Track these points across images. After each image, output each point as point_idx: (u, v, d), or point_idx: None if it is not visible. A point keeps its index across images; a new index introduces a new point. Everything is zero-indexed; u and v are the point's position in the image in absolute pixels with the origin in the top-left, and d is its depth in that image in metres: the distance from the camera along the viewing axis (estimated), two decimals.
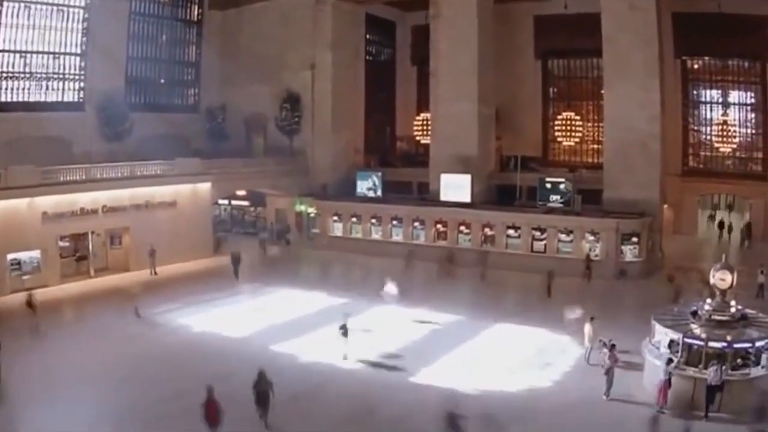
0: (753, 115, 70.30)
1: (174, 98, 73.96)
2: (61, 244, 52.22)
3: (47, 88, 61.90)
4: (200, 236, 60.42)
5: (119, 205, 54.01)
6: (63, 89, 62.69)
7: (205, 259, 58.43)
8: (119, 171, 54.70)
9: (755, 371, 31.27)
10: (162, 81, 72.90)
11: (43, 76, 61.47)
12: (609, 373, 32.40)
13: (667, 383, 31.16)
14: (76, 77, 63.39)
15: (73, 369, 34.86)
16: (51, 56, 61.68)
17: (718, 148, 70.67)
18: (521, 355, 38.91)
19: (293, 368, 35.75)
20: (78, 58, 63.33)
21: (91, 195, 51.95)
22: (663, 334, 33.99)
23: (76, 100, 63.51)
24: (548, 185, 63.43)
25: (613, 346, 33.00)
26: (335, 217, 69.46)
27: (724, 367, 30.63)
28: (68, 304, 47.11)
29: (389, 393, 33.15)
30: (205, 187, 61.38)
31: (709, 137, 72.25)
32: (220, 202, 71.06)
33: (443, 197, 66.33)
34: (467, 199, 65.25)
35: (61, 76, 62.50)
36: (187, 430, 27.74)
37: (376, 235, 67.48)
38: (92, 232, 53.58)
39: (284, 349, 38.65)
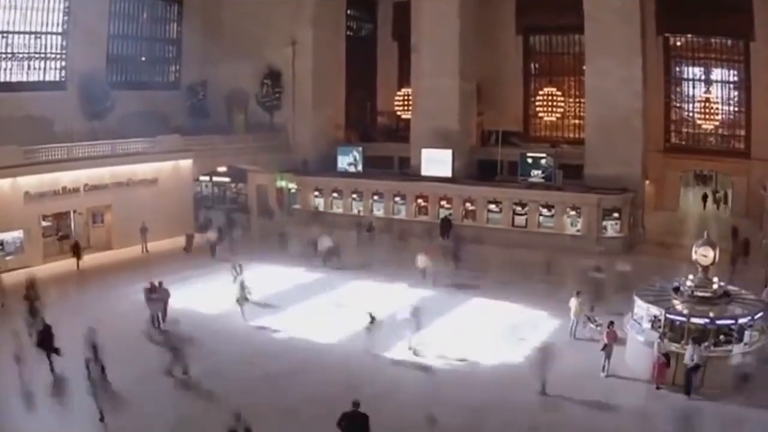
0: (736, 93, 70.34)
1: (155, 76, 73.41)
2: (43, 223, 51.97)
3: (29, 68, 61.38)
4: (182, 213, 60.04)
5: (101, 183, 53.77)
6: (45, 69, 62.16)
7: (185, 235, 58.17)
8: (100, 149, 54.31)
9: (738, 348, 31.48)
10: (143, 59, 72.33)
11: (25, 56, 60.91)
12: (607, 349, 32.45)
13: (664, 361, 31.31)
14: (58, 56, 62.81)
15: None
16: (33, 36, 61.04)
17: (700, 125, 71.03)
18: (496, 331, 39.11)
19: (272, 345, 36.11)
20: (59, 38, 62.68)
21: (73, 174, 51.68)
22: (644, 310, 34.28)
23: (57, 79, 62.98)
24: (529, 160, 63.72)
25: (612, 323, 33.18)
26: (316, 193, 69.61)
27: (703, 346, 30.91)
28: (51, 283, 46.17)
29: (368, 369, 33.45)
30: (186, 163, 61.21)
31: (691, 114, 72.51)
32: (202, 178, 70.90)
33: (424, 172, 66.65)
34: (448, 173, 65.59)
35: (42, 55, 61.92)
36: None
37: (357, 209, 67.57)
38: (74, 211, 53.47)
39: (262, 324, 38.86)
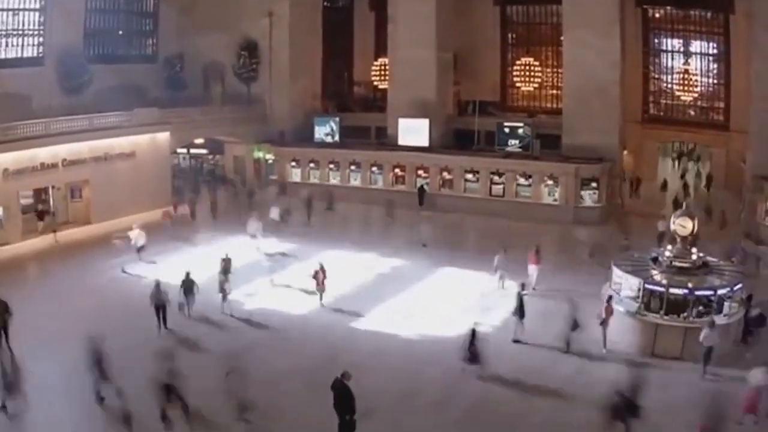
0: (715, 66, 70.54)
1: (132, 49, 73.02)
2: (22, 201, 51.49)
3: (6, 45, 61.00)
4: (160, 186, 59.77)
5: (79, 158, 53.17)
6: (22, 45, 61.75)
7: (164, 208, 57.97)
8: (78, 124, 53.82)
9: (718, 319, 31.65)
10: (120, 32, 71.77)
11: (2, 33, 60.51)
12: (604, 325, 32.59)
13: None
14: (35, 32, 62.40)
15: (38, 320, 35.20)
16: (10, 13, 60.65)
17: (679, 97, 71.13)
18: (463, 300, 39.60)
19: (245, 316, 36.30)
20: (37, 14, 62.34)
21: (51, 149, 51.07)
22: (623, 279, 34.69)
23: (35, 55, 62.61)
24: (507, 130, 64.24)
25: (610, 297, 33.22)
26: (293, 163, 69.66)
27: (682, 316, 31.66)
28: (29, 260, 46.69)
29: (336, 339, 34.00)
30: (163, 136, 60.80)
31: (670, 86, 72.64)
32: (179, 151, 70.65)
33: (401, 142, 66.83)
34: (425, 143, 65.71)
35: (20, 32, 61.49)
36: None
37: (335, 180, 67.75)
38: (53, 187, 53.08)
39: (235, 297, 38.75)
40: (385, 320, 36.79)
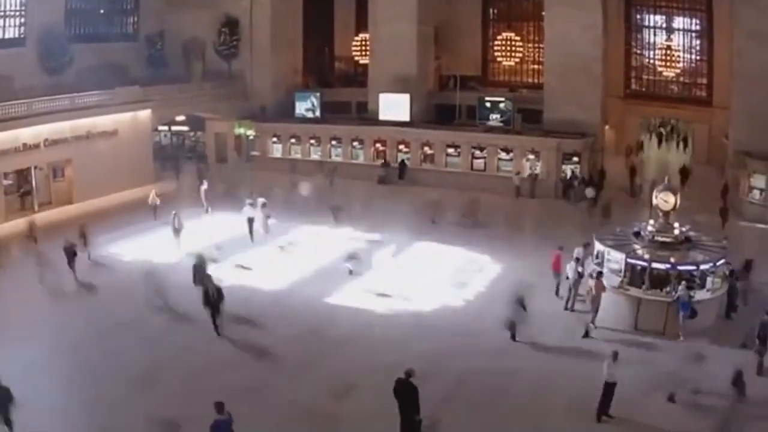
0: (698, 42, 70.35)
1: (113, 28, 71.98)
2: (5, 181, 51.24)
3: None
4: (141, 164, 59.81)
5: (61, 138, 53.10)
6: (4, 26, 61.10)
7: (147, 186, 57.88)
8: (60, 103, 53.60)
9: (700, 294, 32.21)
10: (101, 11, 70.94)
11: None
12: (595, 301, 32.81)
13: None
14: (17, 13, 61.79)
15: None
16: None
17: (661, 72, 71.10)
18: (439, 274, 40.10)
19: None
20: None
21: (33, 129, 50.99)
22: (605, 253, 34.96)
23: (16, 36, 62.05)
24: (488, 104, 64.47)
25: (600, 273, 33.45)
26: (274, 139, 69.81)
27: (665, 291, 32.26)
28: (11, 240, 46.59)
29: (314, 315, 34.48)
30: (145, 114, 60.78)
31: (652, 61, 72.63)
32: (160, 128, 70.48)
33: (382, 117, 66.95)
34: (406, 118, 65.80)
35: (1, 13, 60.84)
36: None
37: (316, 155, 68.02)
38: (35, 167, 52.78)
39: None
40: (361, 296, 37.11)
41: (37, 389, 26.20)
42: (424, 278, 39.39)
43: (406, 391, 23.19)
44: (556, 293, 36.18)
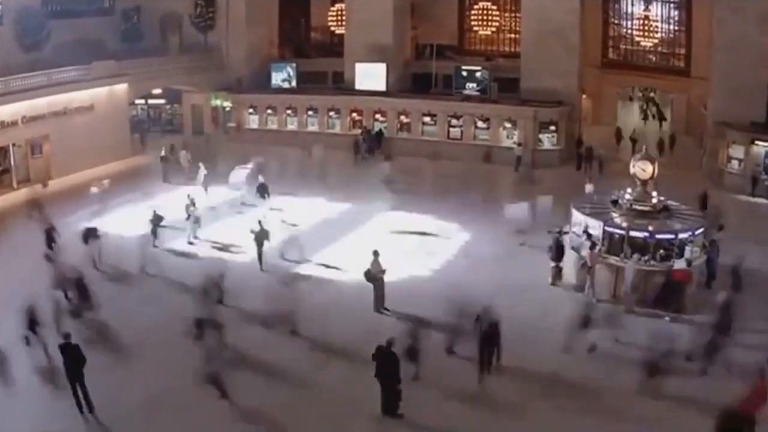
0: (676, 12, 70.09)
1: (89, 3, 70.96)
2: None
3: None
4: (118, 138, 59.99)
5: (38, 114, 53.07)
6: None
7: (123, 160, 58.31)
8: (37, 80, 53.47)
9: (678, 263, 32.59)
10: None
11: None
12: (590, 273, 33.08)
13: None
14: None
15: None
16: None
17: (639, 42, 71.05)
18: (407, 244, 40.74)
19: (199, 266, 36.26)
20: None
21: (11, 107, 50.96)
22: (582, 222, 35.42)
23: None
24: (464, 73, 64.70)
25: (594, 245, 33.51)
26: (251, 110, 69.84)
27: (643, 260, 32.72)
28: None
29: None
30: (121, 88, 60.76)
31: (629, 31, 72.49)
32: (137, 101, 70.15)
33: (358, 86, 67.16)
34: (383, 87, 65.97)
35: None
36: None
37: (292, 125, 68.24)
38: (13, 144, 52.75)
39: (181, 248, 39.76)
40: (331, 265, 37.65)
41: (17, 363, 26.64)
42: (392, 248, 39.02)
43: (387, 360, 23.72)
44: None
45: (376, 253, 33.15)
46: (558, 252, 35.25)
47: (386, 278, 33.00)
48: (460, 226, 43.29)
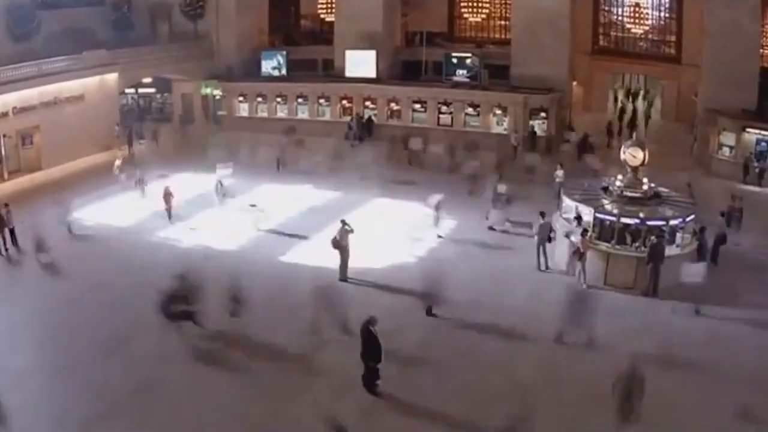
0: (667, 0, 70.13)
1: None
2: None
3: None
4: (109, 127, 59.77)
5: (29, 105, 53.05)
6: None
7: (113, 150, 57.97)
8: (27, 70, 53.27)
9: (670, 250, 32.90)
10: None
11: None
12: (582, 259, 33.26)
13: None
14: None
15: None
16: None
17: (629, 29, 71.20)
18: (393, 231, 41.06)
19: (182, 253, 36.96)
20: None
21: (1, 98, 50.96)
22: (573, 208, 35.88)
23: None
24: (454, 60, 64.78)
25: (585, 231, 33.69)
26: (241, 98, 69.77)
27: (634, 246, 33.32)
28: None
29: (263, 273, 35.02)
30: (111, 77, 60.73)
31: (620, 18, 72.48)
32: (127, 91, 70.07)
33: (348, 73, 67.05)
34: (373, 74, 65.95)
35: None
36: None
37: (282, 113, 68.31)
38: (4, 135, 52.62)
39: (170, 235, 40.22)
40: (316, 253, 37.42)
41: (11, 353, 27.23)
42: (377, 234, 39.92)
43: (365, 337, 24.29)
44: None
45: (343, 222, 34.29)
46: (545, 237, 35.69)
47: (371, 265, 33.87)
48: (446, 213, 43.38)
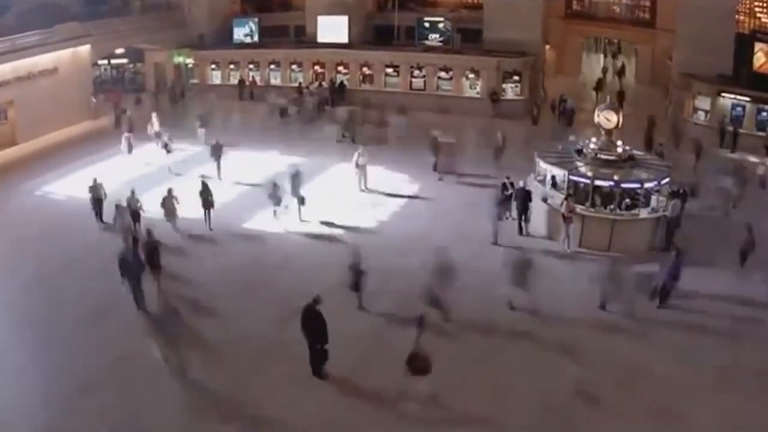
0: None
1: None
2: None
3: None
4: (82, 99, 59.70)
5: (2, 80, 52.65)
6: None
7: (87, 122, 58.50)
8: (1, 46, 52.84)
9: (644, 212, 33.51)
10: None
11: None
12: (567, 223, 33.47)
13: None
14: None
15: None
16: None
17: None
18: (356, 196, 41.45)
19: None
20: None
21: None
22: (547, 171, 36.20)
23: None
24: (427, 24, 64.85)
25: (569, 195, 33.95)
26: (213, 66, 69.86)
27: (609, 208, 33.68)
28: None
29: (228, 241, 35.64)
30: (84, 49, 60.30)
31: None
32: (100, 62, 69.73)
33: (321, 39, 67.11)
34: (345, 40, 66.11)
35: None
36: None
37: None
38: None
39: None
40: (278, 221, 37.99)
41: None
42: (338, 200, 40.60)
43: (312, 319, 23.34)
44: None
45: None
46: (523, 203, 35.82)
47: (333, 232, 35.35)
48: (408, 176, 44.16)
